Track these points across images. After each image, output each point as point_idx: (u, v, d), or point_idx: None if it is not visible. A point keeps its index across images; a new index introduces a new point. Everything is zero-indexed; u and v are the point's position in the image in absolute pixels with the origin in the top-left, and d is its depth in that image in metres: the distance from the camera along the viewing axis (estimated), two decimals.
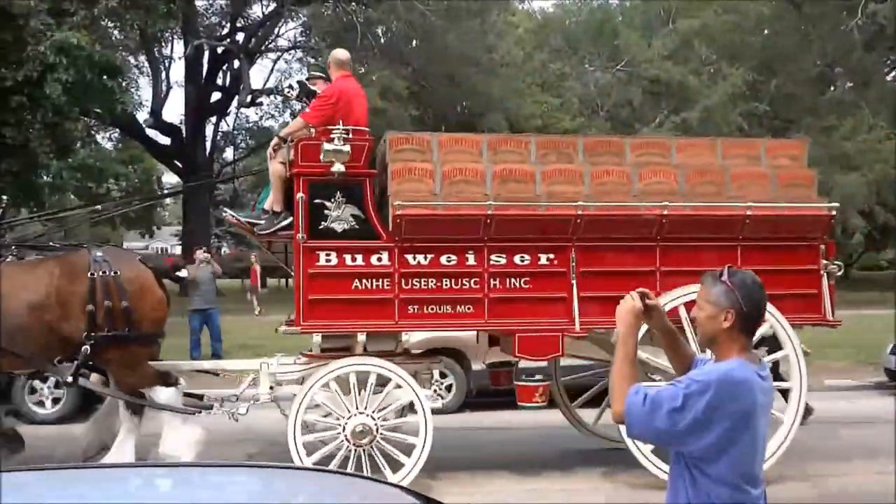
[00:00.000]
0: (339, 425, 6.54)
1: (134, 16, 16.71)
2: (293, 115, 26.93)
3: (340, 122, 6.49)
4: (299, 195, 6.67)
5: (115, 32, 16.64)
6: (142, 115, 27.41)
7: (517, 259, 6.79)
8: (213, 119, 29.53)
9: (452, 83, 24.26)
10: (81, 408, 9.09)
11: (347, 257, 6.72)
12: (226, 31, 27.82)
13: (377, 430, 6.53)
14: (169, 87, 30.22)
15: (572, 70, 29.18)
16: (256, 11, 27.38)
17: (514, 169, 6.87)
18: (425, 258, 6.75)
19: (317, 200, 6.69)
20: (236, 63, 26.85)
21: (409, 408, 6.92)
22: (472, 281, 6.76)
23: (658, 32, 28.26)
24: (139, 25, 17.76)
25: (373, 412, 6.56)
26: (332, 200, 6.70)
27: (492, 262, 6.76)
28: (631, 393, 2.57)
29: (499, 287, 6.77)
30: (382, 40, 24.15)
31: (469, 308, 6.79)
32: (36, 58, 13.73)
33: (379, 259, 6.71)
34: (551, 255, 6.80)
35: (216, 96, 28.55)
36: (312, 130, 6.77)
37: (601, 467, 7.28)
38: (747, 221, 6.89)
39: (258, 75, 29.92)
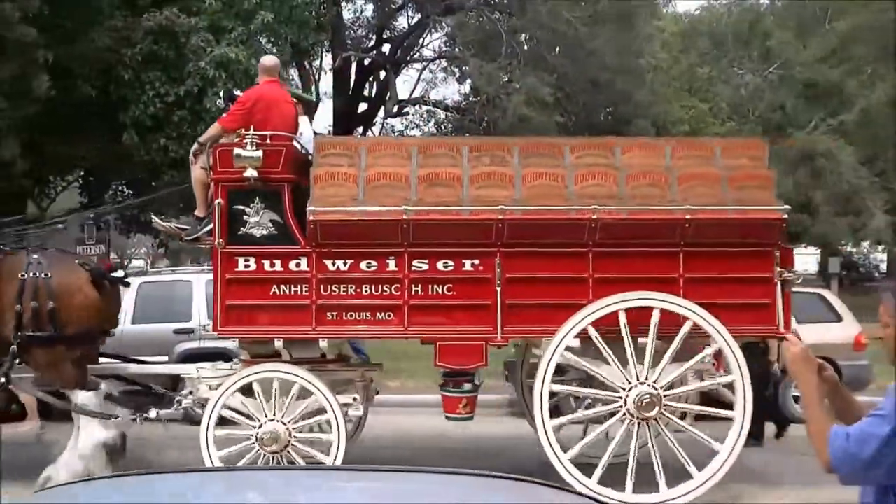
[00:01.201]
0: (253, 429, 6.98)
1: (287, 30, 18.10)
2: (437, 126, 28.69)
3: (252, 128, 7.07)
4: (217, 201, 7.09)
5: (269, 47, 18.33)
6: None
7: (440, 265, 7.03)
8: (360, 129, 31.30)
9: (598, 89, 24.95)
10: None
11: (266, 263, 7.12)
12: (372, 42, 29.35)
13: (290, 437, 7.04)
14: (318, 99, 32.19)
15: (720, 73, 30.05)
16: (402, 23, 29.06)
17: (440, 172, 7.19)
18: (344, 264, 7.07)
19: (236, 206, 7.15)
20: (382, 74, 28.42)
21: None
22: (393, 287, 7.04)
23: (813, 33, 28.92)
24: (292, 39, 19.10)
25: (288, 420, 7.03)
26: (251, 206, 7.13)
27: (413, 269, 7.05)
28: (832, 437, 2.60)
29: (420, 293, 7.04)
30: (527, 48, 25.34)
31: (389, 315, 7.09)
32: (197, 73, 15.37)
33: (297, 265, 7.08)
34: (476, 261, 7.05)
35: (363, 107, 29.93)
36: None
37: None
38: (687, 226, 7.06)
39: (404, 86, 31.81)
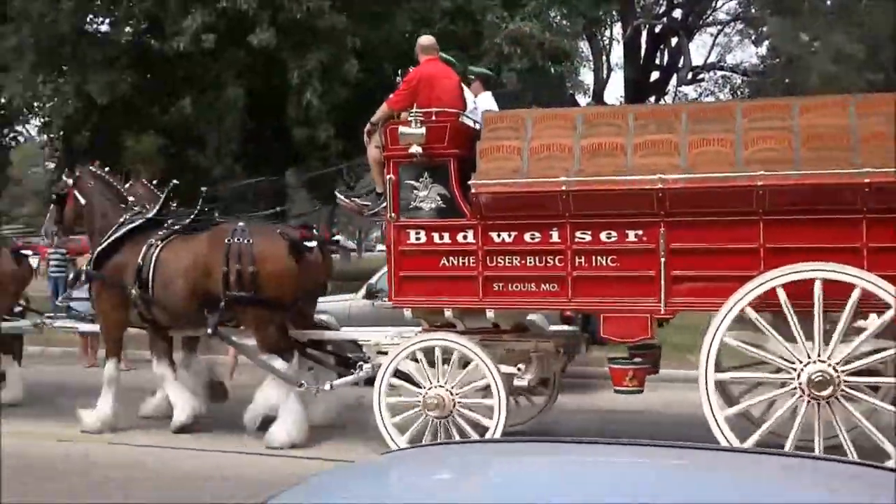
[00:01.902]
0: (420, 395, 7.72)
1: (578, 2, 19.31)
2: (733, 91, 28.96)
3: (415, 106, 7.68)
4: (389, 176, 7.87)
5: (560, 20, 19.48)
6: (582, 100, 30.65)
7: (603, 236, 7.36)
8: (652, 99, 32.28)
9: None
10: None
11: (435, 235, 7.74)
12: (663, 8, 30.08)
13: (453, 404, 7.71)
14: (609, 70, 33.57)
15: None
16: None
17: (603, 142, 7.51)
18: (509, 236, 7.60)
19: (406, 181, 7.97)
20: (674, 40, 29.28)
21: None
22: (557, 259, 7.47)
23: None
24: (583, 11, 20.27)
25: (451, 387, 7.70)
26: (420, 181, 7.80)
27: (576, 240, 7.45)
28: None
29: (584, 265, 7.40)
30: (829, 2, 24.46)
31: (554, 286, 7.49)
32: (492, 49, 16.71)
33: (464, 237, 7.67)
34: (639, 232, 7.31)
35: (654, 76, 30.89)
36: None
37: None
38: (868, 190, 6.95)
39: (697, 52, 32.43)
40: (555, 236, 7.42)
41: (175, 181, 9.88)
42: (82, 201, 9.65)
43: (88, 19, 19.44)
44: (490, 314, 7.67)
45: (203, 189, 9.86)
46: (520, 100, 15.80)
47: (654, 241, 7.18)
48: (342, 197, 8.83)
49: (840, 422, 6.72)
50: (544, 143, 7.50)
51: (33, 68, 17.90)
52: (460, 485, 2.68)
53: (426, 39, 8.37)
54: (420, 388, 7.67)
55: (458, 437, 7.47)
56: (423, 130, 7.52)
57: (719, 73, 31.23)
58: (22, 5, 17.31)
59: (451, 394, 7.56)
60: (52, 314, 10.71)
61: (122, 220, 9.28)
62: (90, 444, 8.75)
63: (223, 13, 16.07)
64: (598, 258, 7.36)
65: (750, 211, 7.04)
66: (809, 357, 6.75)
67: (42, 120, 22.23)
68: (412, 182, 7.75)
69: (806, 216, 7.01)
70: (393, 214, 7.78)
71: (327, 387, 8.38)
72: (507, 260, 7.56)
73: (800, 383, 6.81)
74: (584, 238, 7.36)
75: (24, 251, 10.93)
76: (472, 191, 7.46)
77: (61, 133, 20.29)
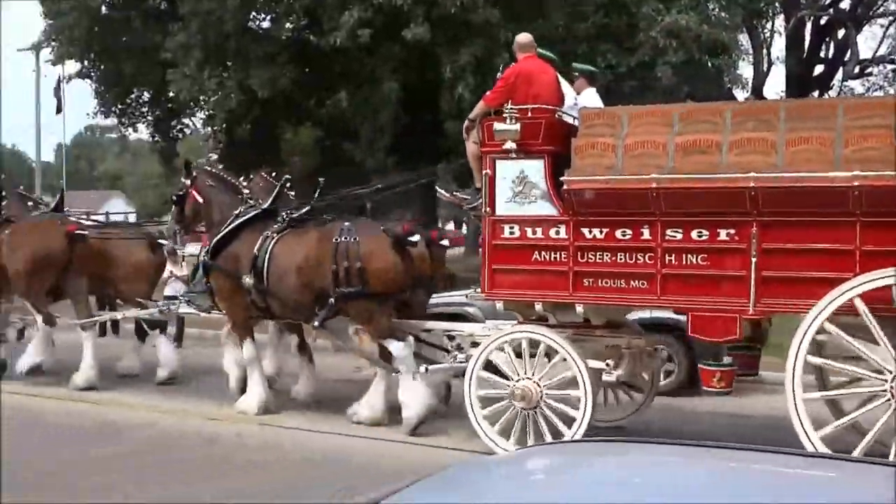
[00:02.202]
0: (508, 387, 8.01)
1: None
2: None
3: (509, 102, 7.93)
4: (485, 171, 8.20)
5: (719, 11, 19.50)
6: (740, 94, 30.55)
7: (694, 234, 7.46)
8: (815, 94, 31.88)
9: None
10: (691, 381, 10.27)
11: (528, 230, 8.06)
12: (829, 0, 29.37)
13: (540, 396, 7.95)
14: (770, 64, 33.30)
15: None
16: None
17: (698, 139, 7.60)
18: (601, 232, 7.77)
19: (502, 176, 8.28)
20: (841, 32, 28.63)
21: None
22: (647, 256, 7.61)
23: None
24: (743, 3, 20.28)
25: (538, 379, 7.93)
26: (514, 176, 8.18)
27: (667, 237, 7.55)
28: None
29: (674, 263, 7.52)
30: None
31: (643, 284, 7.66)
32: (647, 42, 16.86)
33: (556, 232, 7.95)
34: (731, 231, 7.37)
35: (819, 69, 30.28)
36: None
37: None
38: None
39: (866, 44, 31.84)
40: (646, 233, 7.56)
41: (287, 176, 10.51)
42: (200, 199, 10.40)
43: (251, 16, 20.39)
44: (579, 309, 7.89)
45: (320, 180, 10.47)
46: (674, 94, 15.87)
47: (746, 241, 7.23)
48: (442, 191, 9.24)
49: None
50: (639, 140, 7.64)
51: (199, 64, 18.79)
52: (605, 483, 2.66)
53: (524, 37, 8.63)
54: (509, 380, 7.97)
55: (545, 429, 7.76)
56: (517, 127, 7.80)
57: (889, 66, 30.02)
58: (191, 5, 18.34)
59: (539, 386, 7.84)
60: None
61: (236, 213, 9.95)
62: (244, 424, 9.34)
63: (379, 9, 16.65)
64: (689, 256, 7.46)
65: (846, 211, 7.02)
66: None
67: (206, 113, 23.31)
68: (507, 177, 8.06)
69: None
70: (488, 209, 8.11)
71: (422, 370, 8.80)
72: (597, 256, 7.76)
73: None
74: (674, 236, 7.48)
75: (162, 241, 11.74)
76: (564, 187, 7.72)
77: (224, 126, 21.52)
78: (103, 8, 22.27)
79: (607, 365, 7.91)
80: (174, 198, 10.85)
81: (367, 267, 8.92)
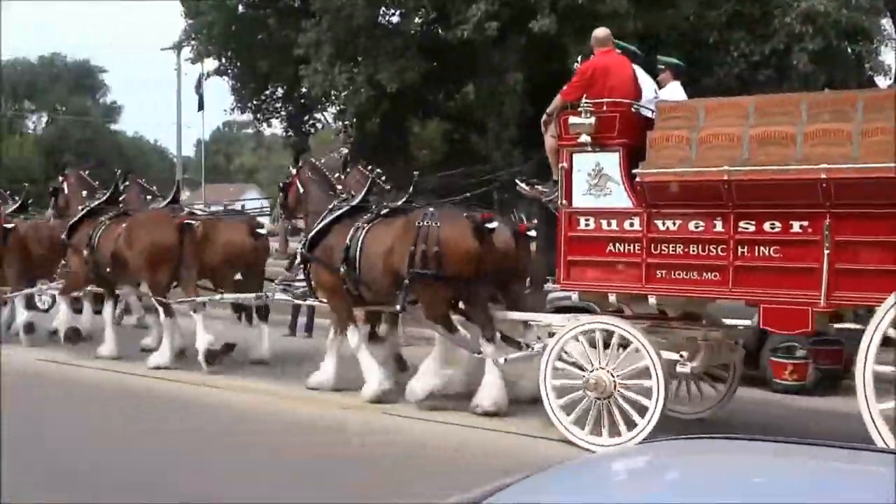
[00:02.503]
0: (583, 377, 8.19)
1: None
2: None
3: (585, 97, 8.11)
4: (561, 165, 8.41)
5: None
6: (882, 81, 29.61)
7: (767, 226, 7.50)
8: None
9: None
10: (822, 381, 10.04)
11: (603, 222, 8.27)
12: None
13: (614, 386, 8.12)
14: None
15: None
16: None
17: (772, 131, 7.62)
18: (674, 224, 7.90)
19: (578, 169, 8.46)
20: None
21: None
22: (719, 248, 7.68)
23: None
24: None
25: (612, 369, 8.10)
26: (590, 169, 8.34)
27: (739, 229, 7.62)
28: None
29: (746, 255, 7.57)
30: None
31: (715, 276, 7.73)
32: (782, 29, 16.73)
33: (630, 224, 8.11)
34: (804, 223, 7.41)
35: None
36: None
37: None
38: None
39: None
40: (718, 226, 7.64)
41: (378, 170, 10.97)
42: (301, 189, 10.96)
43: (381, 12, 20.87)
44: (652, 300, 8.03)
45: (416, 173, 10.88)
46: (811, 82, 15.58)
47: (819, 233, 7.23)
48: (522, 185, 9.47)
49: None
50: (713, 132, 7.71)
51: (331, 60, 19.41)
52: (722, 481, 2.61)
53: (601, 32, 8.79)
54: (583, 370, 8.18)
55: (619, 419, 7.95)
56: (592, 120, 8.00)
57: None
58: (322, 2, 19.00)
59: (612, 376, 8.02)
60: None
61: (331, 206, 10.45)
62: (369, 413, 9.60)
63: (506, 1, 16.90)
64: (761, 248, 7.50)
65: None
66: None
67: (337, 108, 24.12)
68: (583, 170, 8.26)
69: None
70: (564, 201, 8.33)
71: (502, 360, 9.09)
72: (670, 248, 7.88)
73: None
74: (747, 228, 7.53)
75: (259, 230, 12.44)
76: (637, 179, 7.87)
77: (354, 120, 22.24)
78: (240, 7, 23.42)
79: (681, 356, 8.01)
80: (280, 185, 11.46)
81: (444, 250, 9.25)
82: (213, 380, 11.26)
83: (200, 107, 36.01)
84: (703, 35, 16.90)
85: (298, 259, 10.74)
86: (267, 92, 26.11)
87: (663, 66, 9.32)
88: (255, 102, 26.12)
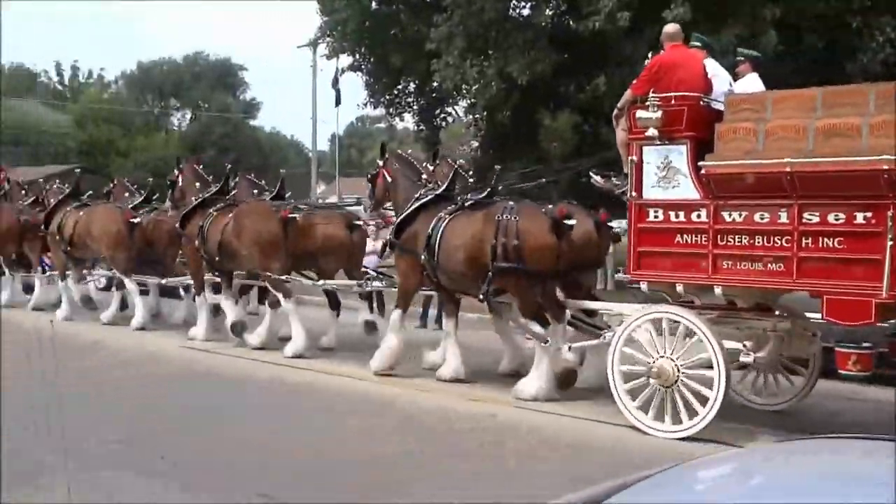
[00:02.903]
0: (648, 365, 8.43)
1: None
2: None
3: (653, 91, 8.35)
4: (631, 158, 8.67)
5: None
6: None
7: (831, 217, 7.60)
8: None
9: None
10: None
11: (671, 214, 8.46)
12: None
13: (678, 375, 8.32)
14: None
15: None
16: None
17: (838, 123, 7.68)
18: (740, 215, 8.08)
19: (646, 162, 8.69)
20: None
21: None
22: (784, 239, 7.80)
23: None
24: None
25: (676, 358, 8.31)
26: (659, 162, 8.55)
27: (804, 221, 7.73)
28: None
29: (810, 246, 7.68)
30: None
31: (780, 266, 7.85)
32: None
33: (698, 216, 8.30)
34: (867, 214, 7.45)
35: None
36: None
37: None
38: None
39: None
40: (783, 217, 7.77)
41: (461, 161, 11.38)
42: (389, 180, 11.51)
43: (511, 5, 21.16)
44: (717, 291, 8.21)
45: (496, 167, 11.28)
46: None
47: (883, 224, 7.29)
48: (596, 177, 9.75)
49: None
50: (779, 124, 7.85)
51: (462, 53, 19.81)
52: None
53: (671, 27, 9.03)
54: (649, 358, 8.43)
55: (681, 406, 8.17)
56: (659, 114, 8.23)
57: None
58: None
59: (676, 365, 8.24)
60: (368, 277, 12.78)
61: (417, 195, 10.96)
62: (499, 406, 9.59)
63: None
64: (825, 240, 7.60)
65: None
66: None
67: (468, 101, 24.49)
68: (652, 163, 8.50)
69: None
70: (634, 193, 8.59)
71: (566, 347, 9.44)
72: (736, 239, 8.05)
73: None
74: (811, 219, 7.64)
75: (357, 222, 13.06)
76: (703, 171, 8.07)
77: (484, 113, 22.52)
78: (373, 3, 23.95)
79: (744, 346, 8.17)
80: (368, 176, 12.05)
81: (523, 244, 9.61)
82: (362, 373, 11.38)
83: (338, 102, 36.99)
84: (846, 19, 16.44)
85: (388, 246, 11.29)
86: (399, 86, 26.60)
87: (743, 58, 9.44)
88: (387, 97, 26.74)
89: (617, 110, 9.05)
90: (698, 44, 9.31)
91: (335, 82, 37.22)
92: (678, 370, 8.22)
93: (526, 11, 21.59)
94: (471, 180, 11.51)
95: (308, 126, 74.73)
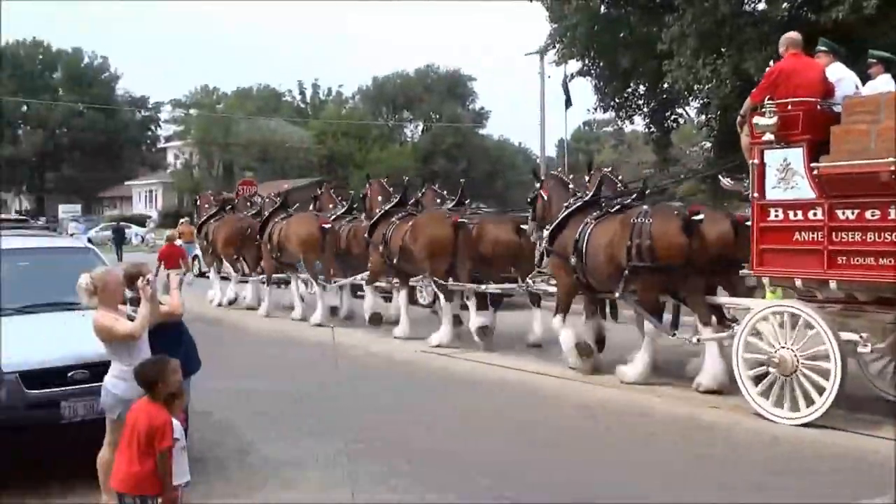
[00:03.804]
0: (770, 355, 9.08)
1: None
2: None
3: (767, 98, 9.00)
4: (752, 161, 9.39)
5: None
6: None
7: None
8: None
9: None
10: None
11: (790, 213, 9.09)
12: None
13: (797, 365, 8.92)
14: None
15: None
16: None
17: None
18: (852, 213, 8.62)
19: (768, 165, 9.34)
20: None
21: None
22: (894, 235, 8.38)
23: None
24: None
25: (796, 349, 8.90)
26: (778, 164, 9.22)
27: None
28: None
29: None
30: None
31: (890, 261, 8.40)
32: None
33: (814, 214, 8.90)
34: None
35: None
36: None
37: None
38: None
39: None
40: (893, 214, 8.32)
41: (610, 167, 12.34)
42: (546, 198, 12.66)
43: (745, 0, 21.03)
44: (832, 285, 8.83)
45: (645, 172, 12.14)
46: None
47: None
48: (726, 180, 10.48)
49: None
50: (890, 125, 8.41)
51: (694, 53, 19.88)
52: None
53: (788, 36, 9.65)
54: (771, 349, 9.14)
55: (800, 395, 8.84)
56: (774, 120, 8.94)
57: None
58: None
59: (795, 356, 8.92)
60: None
61: (566, 205, 12.04)
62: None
63: None
64: None
65: None
66: None
67: (700, 101, 24.66)
68: (772, 165, 9.20)
69: None
70: (756, 194, 9.32)
71: (694, 339, 10.26)
72: (849, 235, 8.65)
73: None
74: None
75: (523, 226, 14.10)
76: (814, 172, 8.73)
77: (718, 112, 22.18)
78: (602, 7, 24.34)
79: (861, 337, 8.74)
80: (528, 200, 13.19)
81: (655, 244, 10.52)
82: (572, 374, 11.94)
83: (568, 104, 37.72)
84: None
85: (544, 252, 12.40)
86: (629, 89, 26.94)
87: (875, 59, 9.91)
88: (616, 100, 27.20)
89: (740, 117, 9.76)
90: (825, 48, 9.86)
91: (565, 86, 37.97)
92: (798, 360, 8.89)
93: (761, 6, 21.42)
94: (619, 185, 12.43)
95: (536, 133, 76.56)
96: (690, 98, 25.26)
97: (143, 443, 5.40)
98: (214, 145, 69.62)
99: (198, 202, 24.76)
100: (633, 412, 9.85)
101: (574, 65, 27.59)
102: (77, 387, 7.22)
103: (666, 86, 23.21)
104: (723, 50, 20.22)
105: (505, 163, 79.12)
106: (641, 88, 26.79)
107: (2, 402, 7.09)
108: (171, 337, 7.00)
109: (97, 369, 6.86)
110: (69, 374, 7.25)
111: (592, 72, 26.56)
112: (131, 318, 6.60)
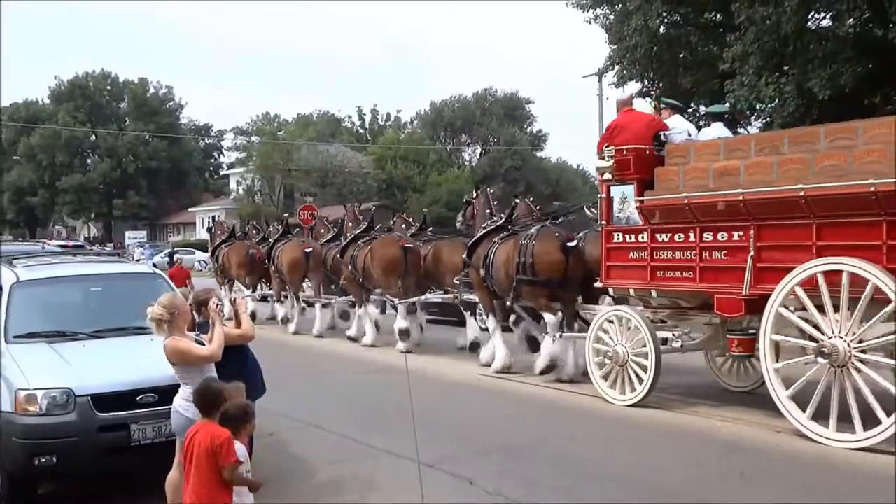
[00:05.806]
0: (610, 349, 11.76)
1: None
2: None
3: (606, 146, 11.80)
4: (600, 195, 12.18)
5: None
6: None
7: (719, 236, 10.58)
8: None
9: None
10: None
11: (627, 236, 11.75)
12: None
13: (627, 358, 11.50)
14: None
15: None
16: None
17: (727, 165, 10.62)
18: (666, 236, 11.15)
19: (614, 198, 12.04)
20: None
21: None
22: (691, 253, 10.93)
23: None
24: None
25: (628, 345, 11.46)
26: (617, 197, 11.92)
27: (703, 239, 10.69)
28: None
29: (706, 258, 10.76)
30: None
31: (690, 274, 10.94)
32: None
33: (642, 237, 11.50)
34: (739, 233, 10.41)
35: None
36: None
37: None
38: None
39: None
40: (692, 237, 10.95)
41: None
42: (475, 210, 15.65)
43: (810, 16, 21.17)
44: (654, 293, 11.51)
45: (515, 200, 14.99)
46: None
47: (748, 241, 10.35)
48: (588, 211, 13.31)
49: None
50: (694, 166, 11.03)
51: (757, 71, 20.16)
52: None
53: (620, 98, 12.46)
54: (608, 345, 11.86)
55: (628, 381, 11.50)
56: (610, 163, 11.70)
57: None
58: (747, 12, 20.06)
59: (626, 350, 11.60)
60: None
61: (483, 226, 14.99)
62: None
63: None
64: (715, 253, 10.73)
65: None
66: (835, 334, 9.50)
67: (763, 121, 24.92)
68: (615, 197, 11.95)
69: None
70: (603, 222, 12.07)
71: (558, 335, 13.11)
72: (665, 254, 11.28)
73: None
74: (708, 238, 10.77)
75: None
76: (637, 205, 11.45)
77: None
78: (662, 27, 25.33)
79: (673, 335, 11.41)
80: (465, 201, 16.60)
81: (535, 262, 13.34)
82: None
83: None
84: None
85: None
86: (690, 109, 25.69)
87: (664, 105, 12.68)
88: None
89: (598, 159, 12.54)
90: (665, 105, 12.66)
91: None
92: (628, 354, 11.58)
93: (826, 22, 21.74)
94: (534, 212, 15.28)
95: (594, 155, 78.01)
96: (752, 117, 25.65)
97: (205, 463, 5.71)
98: (276, 171, 72.76)
99: (212, 230, 27.10)
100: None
101: (634, 86, 27.79)
102: (146, 410, 7.77)
103: (727, 105, 23.08)
104: (786, 68, 20.70)
105: (563, 185, 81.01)
106: (702, 108, 26.00)
107: (74, 424, 7.62)
108: (237, 361, 7.42)
109: (165, 393, 7.34)
110: (138, 398, 7.80)
111: (652, 93, 26.62)
112: (199, 343, 6.95)
